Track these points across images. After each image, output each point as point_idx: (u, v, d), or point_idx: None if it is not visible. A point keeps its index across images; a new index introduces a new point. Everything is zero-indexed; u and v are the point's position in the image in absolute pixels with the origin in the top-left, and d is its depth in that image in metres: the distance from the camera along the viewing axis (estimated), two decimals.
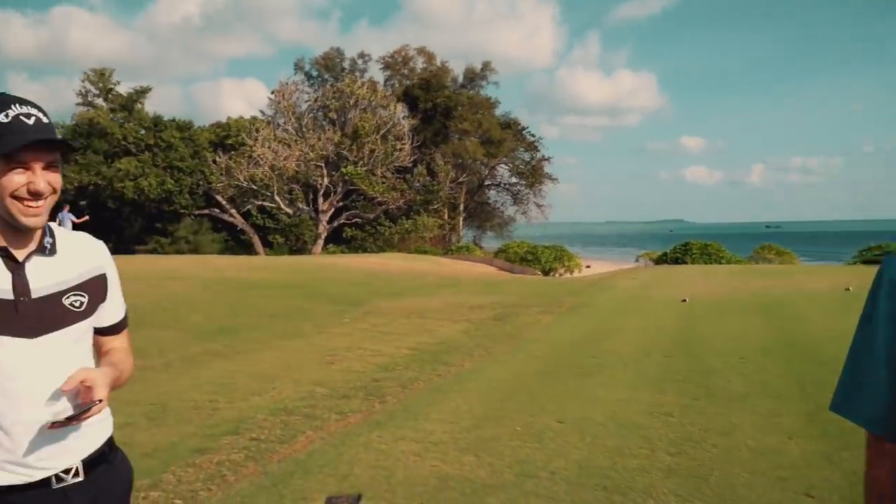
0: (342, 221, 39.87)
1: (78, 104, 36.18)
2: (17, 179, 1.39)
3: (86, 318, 1.55)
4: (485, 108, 45.19)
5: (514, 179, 50.08)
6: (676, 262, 30.20)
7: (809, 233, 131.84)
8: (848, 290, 13.47)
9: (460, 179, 43.71)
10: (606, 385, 6.20)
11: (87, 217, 25.43)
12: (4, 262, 1.44)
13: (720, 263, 28.02)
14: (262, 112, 42.57)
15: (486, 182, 49.79)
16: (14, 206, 1.40)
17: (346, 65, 45.08)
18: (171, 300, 11.77)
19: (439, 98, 43.02)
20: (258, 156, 34.99)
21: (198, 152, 35.87)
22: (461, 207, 46.50)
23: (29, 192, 1.40)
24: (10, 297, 1.41)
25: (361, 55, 46.00)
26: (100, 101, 36.24)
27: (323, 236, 39.69)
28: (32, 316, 1.43)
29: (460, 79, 47.21)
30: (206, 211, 37.86)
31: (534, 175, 48.10)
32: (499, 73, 49.34)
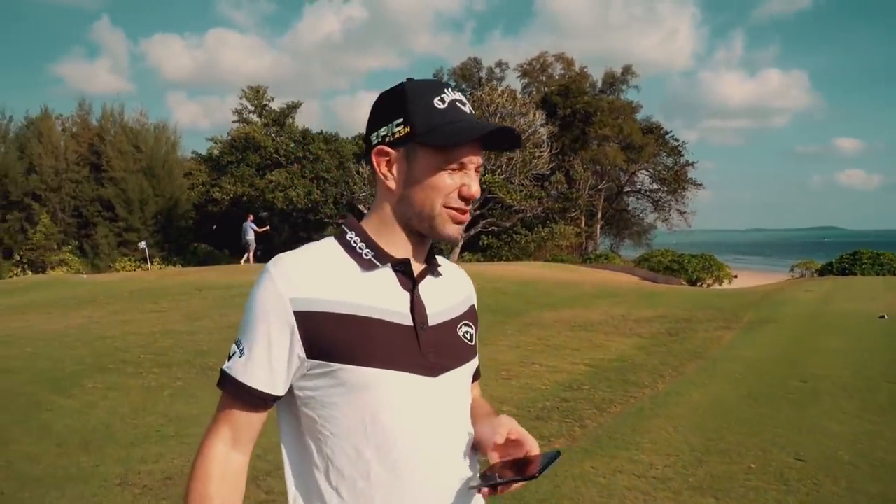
0: (479, 230, 39.84)
1: (234, 121, 38.35)
2: (449, 181, 1.17)
3: (475, 354, 1.30)
4: (626, 113, 43.75)
5: (654, 186, 48.21)
6: (844, 272, 27.67)
7: None
8: None
9: (599, 186, 42.56)
10: (832, 415, 5.45)
11: (268, 227, 26.55)
12: (401, 280, 1.20)
13: (879, 273, 25.43)
14: None
15: (626, 189, 48.23)
16: (444, 213, 1.18)
17: (483, 74, 45.17)
18: None
19: (578, 104, 42.09)
20: None
21: (343, 163, 37.02)
22: (599, 215, 45.26)
23: (461, 196, 1.18)
24: (409, 322, 1.17)
25: (499, 64, 45.92)
26: (254, 117, 38.25)
27: (460, 244, 39.83)
28: (431, 348, 1.18)
29: (599, 84, 46.03)
30: None
31: (676, 181, 46.06)
32: (640, 76, 47.59)
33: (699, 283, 32.48)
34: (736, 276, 35.39)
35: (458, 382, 1.23)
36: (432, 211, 1.17)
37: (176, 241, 32.87)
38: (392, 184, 1.19)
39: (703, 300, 14.78)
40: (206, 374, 6.82)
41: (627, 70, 46.35)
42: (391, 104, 1.18)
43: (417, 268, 1.23)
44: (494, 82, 43.15)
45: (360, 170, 36.34)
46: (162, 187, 32.02)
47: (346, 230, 1.22)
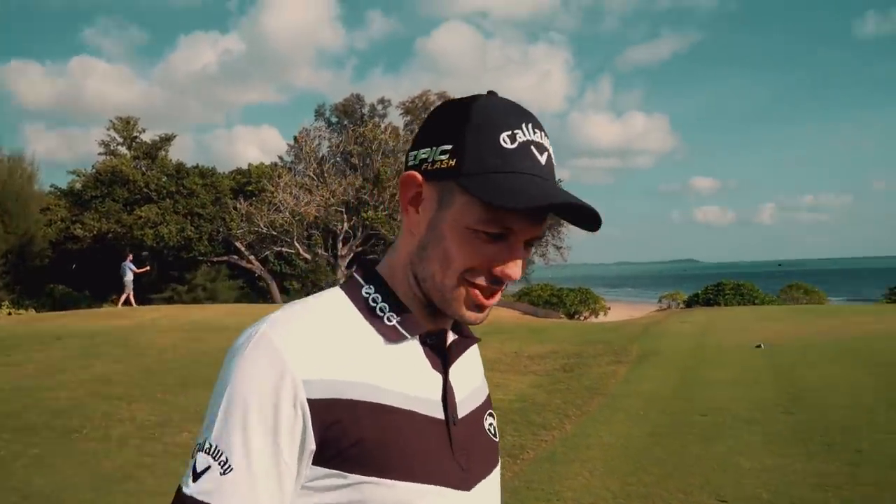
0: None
1: (100, 153, 36.01)
2: (483, 249, 0.85)
3: (498, 452, 1.02)
4: None
5: None
6: (709, 303, 29.31)
7: (824, 271, 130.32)
8: None
9: None
10: (740, 450, 5.46)
11: (148, 267, 24.99)
12: (430, 357, 0.91)
13: (755, 304, 27.17)
14: (280, 158, 42.44)
15: None
16: (462, 290, 0.87)
17: (365, 110, 45.09)
18: (216, 355, 11.10)
19: None
20: (279, 201, 34.65)
21: (219, 198, 35.62)
22: None
23: (493, 274, 0.86)
24: (441, 415, 0.89)
25: (381, 101, 45.92)
26: (123, 150, 36.11)
27: (340, 281, 39.13)
28: (463, 450, 0.90)
29: None
30: (224, 258, 37.44)
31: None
32: None
33: (577, 316, 33.49)
34: (609, 308, 36.78)
35: (491, 495, 0.95)
36: (445, 280, 0.87)
37: (29, 281, 30.19)
38: (415, 226, 0.90)
39: (588, 334, 15.04)
40: (69, 438, 5.98)
41: None
42: (446, 122, 0.89)
43: (446, 336, 0.93)
44: (377, 119, 43.15)
45: (238, 206, 35.07)
46: (14, 223, 29.43)
47: (362, 282, 0.92)
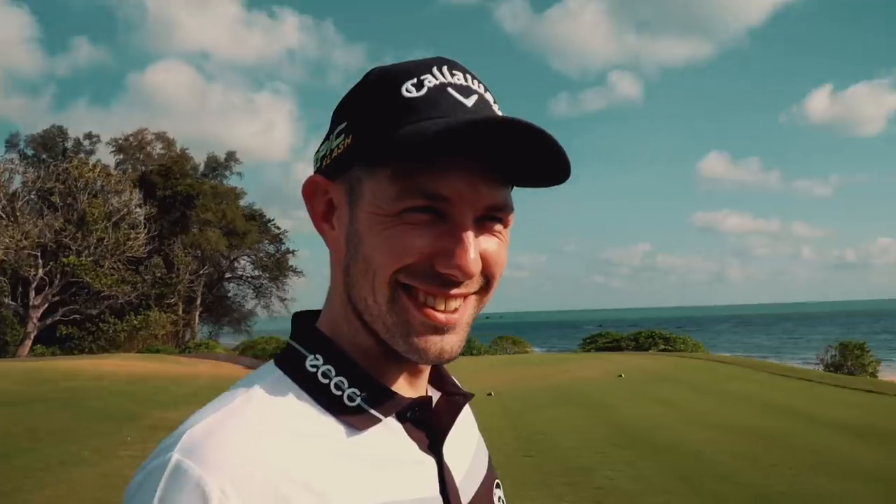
0: (58, 318, 34.81)
1: None
2: (415, 239, 0.61)
3: None
4: (229, 198, 43.40)
5: (256, 272, 48.41)
6: None
7: (523, 323, 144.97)
8: (621, 376, 14.63)
9: (200, 271, 41.02)
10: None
11: None
12: (415, 432, 0.67)
13: (473, 354, 29.21)
14: None
15: (227, 274, 47.42)
16: (403, 305, 0.62)
17: (69, 145, 40.59)
18: None
19: (180, 186, 40.32)
20: None
21: None
22: (199, 301, 43.47)
23: (438, 270, 0.61)
24: None
25: (88, 136, 41.82)
26: None
27: (32, 335, 34.16)
28: None
29: (202, 167, 45.04)
30: None
31: (278, 268, 46.99)
32: (242, 163, 48.06)
33: None
34: None
35: None
36: (377, 298, 0.62)
37: None
38: (335, 247, 0.67)
39: None
40: None
41: (231, 156, 46.45)
42: (344, 102, 0.68)
43: (431, 402, 0.70)
44: (83, 155, 39.14)
45: None
46: None
47: (304, 352, 0.67)
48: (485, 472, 0.77)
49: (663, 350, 29.01)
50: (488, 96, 0.66)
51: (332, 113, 0.70)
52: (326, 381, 0.64)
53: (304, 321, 0.71)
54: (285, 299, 49.74)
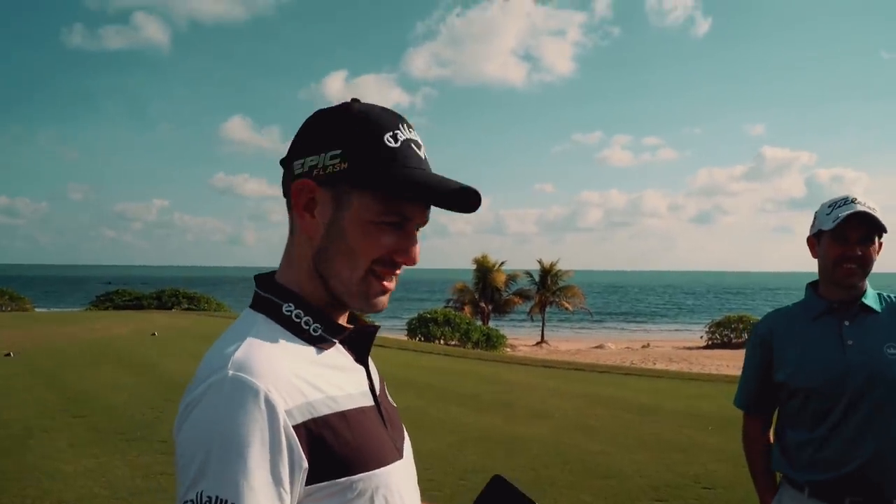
0: None
1: None
2: (385, 239, 0.94)
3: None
4: None
5: None
6: None
7: (25, 277, 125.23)
8: (154, 334, 14.49)
9: None
10: (55, 456, 5.51)
11: None
12: (351, 351, 1.02)
13: None
14: None
15: None
16: (370, 280, 0.96)
17: None
18: None
19: None
20: None
21: None
22: None
23: (397, 260, 0.97)
24: (371, 401, 1.00)
25: None
26: None
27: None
28: (389, 423, 1.03)
29: None
30: None
31: None
32: None
33: None
34: None
35: (410, 454, 1.08)
36: (353, 276, 0.95)
37: None
38: (313, 231, 0.97)
39: None
40: None
41: None
42: (329, 128, 0.96)
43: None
44: None
45: None
46: None
47: (279, 301, 0.97)
48: (379, 376, 1.10)
49: (187, 309, 29.09)
50: (421, 141, 1.01)
51: (307, 124, 0.99)
52: (298, 320, 0.96)
53: (267, 279, 1.01)
54: None
